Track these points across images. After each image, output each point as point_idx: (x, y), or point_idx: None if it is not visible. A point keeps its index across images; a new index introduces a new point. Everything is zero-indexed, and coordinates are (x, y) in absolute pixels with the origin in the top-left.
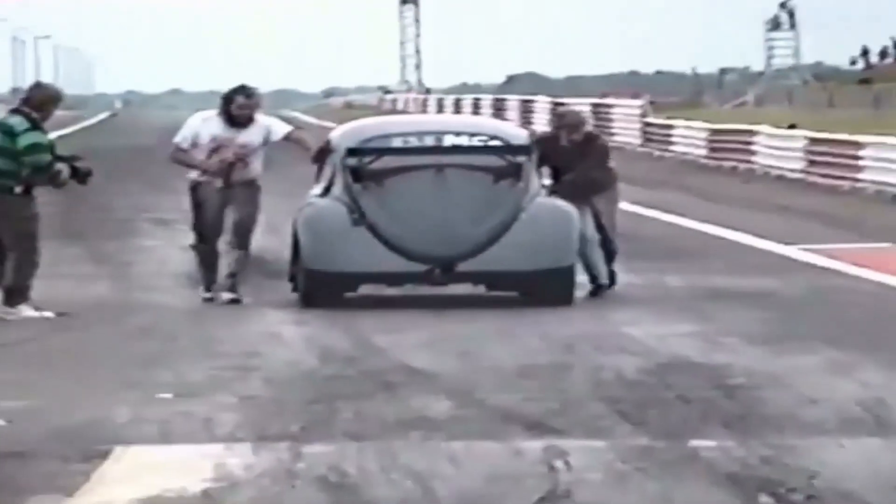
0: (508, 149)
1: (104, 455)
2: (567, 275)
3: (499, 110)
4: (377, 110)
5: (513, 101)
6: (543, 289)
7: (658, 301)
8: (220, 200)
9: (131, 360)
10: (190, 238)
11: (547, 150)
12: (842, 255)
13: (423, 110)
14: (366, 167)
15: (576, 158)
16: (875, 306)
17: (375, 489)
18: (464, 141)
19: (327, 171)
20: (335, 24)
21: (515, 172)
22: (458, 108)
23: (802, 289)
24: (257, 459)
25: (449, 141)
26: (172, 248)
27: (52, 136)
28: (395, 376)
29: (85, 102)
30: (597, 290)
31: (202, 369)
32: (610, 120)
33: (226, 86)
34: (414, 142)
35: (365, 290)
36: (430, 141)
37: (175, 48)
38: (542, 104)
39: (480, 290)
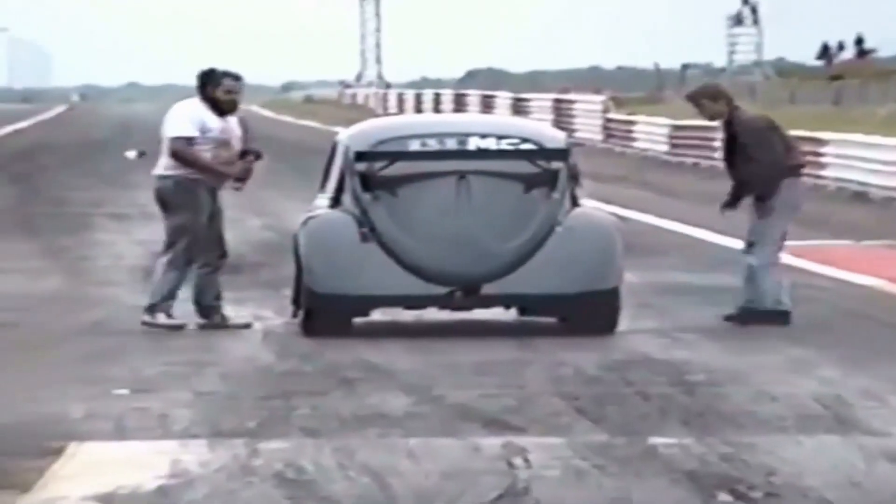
0: (542, 153)
1: (58, 451)
2: (611, 298)
3: (459, 105)
4: (337, 104)
5: (473, 97)
6: (583, 314)
7: None
8: (210, 209)
9: (86, 355)
10: (151, 248)
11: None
12: (803, 252)
13: (385, 105)
14: (377, 174)
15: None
16: (835, 303)
17: (332, 486)
18: (491, 144)
19: (333, 178)
20: (294, 18)
21: (550, 180)
22: (418, 103)
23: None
24: (213, 456)
25: (474, 144)
26: (128, 242)
27: (9, 129)
28: (352, 372)
29: (41, 96)
30: (739, 315)
31: (158, 365)
32: (571, 115)
33: (183, 79)
34: (433, 145)
35: (377, 314)
36: (452, 144)
37: (132, 42)
38: (503, 99)
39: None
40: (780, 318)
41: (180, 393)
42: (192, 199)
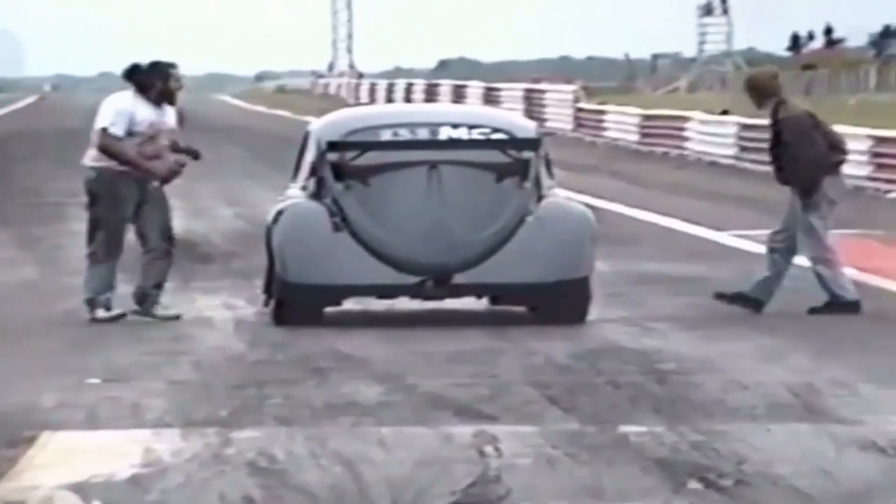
0: (514, 143)
1: (31, 441)
2: (581, 287)
3: (431, 95)
4: (310, 94)
5: (445, 86)
6: (554, 303)
7: None
8: (137, 199)
9: (60, 345)
10: (80, 243)
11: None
12: None
13: (356, 94)
14: (349, 164)
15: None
16: (805, 292)
17: (304, 474)
18: (463, 134)
19: (305, 168)
20: (267, 8)
21: (522, 170)
22: (390, 93)
23: (733, 274)
24: (186, 444)
25: (445, 134)
26: None
27: None
28: (324, 361)
29: (13, 86)
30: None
31: (131, 354)
32: (542, 105)
33: None
34: (405, 134)
35: (349, 303)
36: (423, 134)
37: (107, 31)
38: (474, 89)
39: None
40: (754, 303)
41: (153, 382)
42: (113, 191)
